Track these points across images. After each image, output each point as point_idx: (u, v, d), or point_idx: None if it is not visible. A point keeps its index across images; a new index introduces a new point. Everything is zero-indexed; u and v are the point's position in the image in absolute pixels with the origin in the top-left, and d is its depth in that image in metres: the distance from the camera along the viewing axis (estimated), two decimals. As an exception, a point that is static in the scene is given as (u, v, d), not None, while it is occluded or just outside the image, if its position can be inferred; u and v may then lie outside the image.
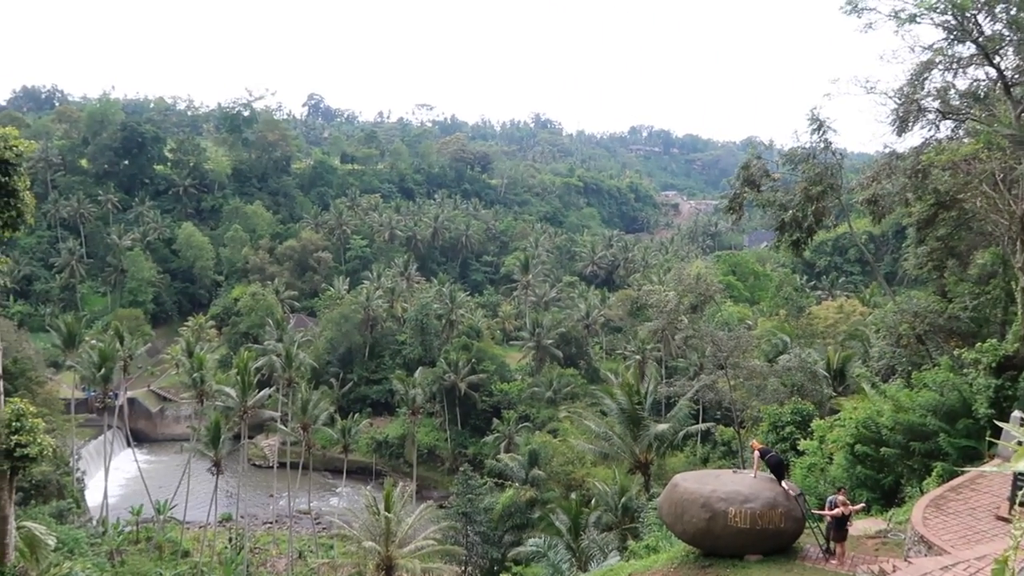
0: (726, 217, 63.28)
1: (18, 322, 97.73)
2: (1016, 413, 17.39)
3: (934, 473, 20.62)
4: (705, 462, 58.87)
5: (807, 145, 33.76)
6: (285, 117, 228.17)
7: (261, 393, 67.68)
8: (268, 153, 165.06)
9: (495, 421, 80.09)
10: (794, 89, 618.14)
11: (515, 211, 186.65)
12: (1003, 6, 23.94)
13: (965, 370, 22.86)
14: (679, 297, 61.61)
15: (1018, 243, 24.28)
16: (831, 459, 27.22)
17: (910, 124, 28.17)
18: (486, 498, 61.26)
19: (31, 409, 23.32)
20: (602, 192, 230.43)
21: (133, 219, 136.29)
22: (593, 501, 44.74)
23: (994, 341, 22.23)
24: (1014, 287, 25.51)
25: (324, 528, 73.70)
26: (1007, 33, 24.43)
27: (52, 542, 24.88)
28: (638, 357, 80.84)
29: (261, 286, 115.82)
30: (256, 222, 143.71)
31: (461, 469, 65.57)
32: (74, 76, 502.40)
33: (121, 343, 75.43)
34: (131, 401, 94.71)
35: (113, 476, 73.80)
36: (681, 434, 47.36)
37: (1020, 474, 13.89)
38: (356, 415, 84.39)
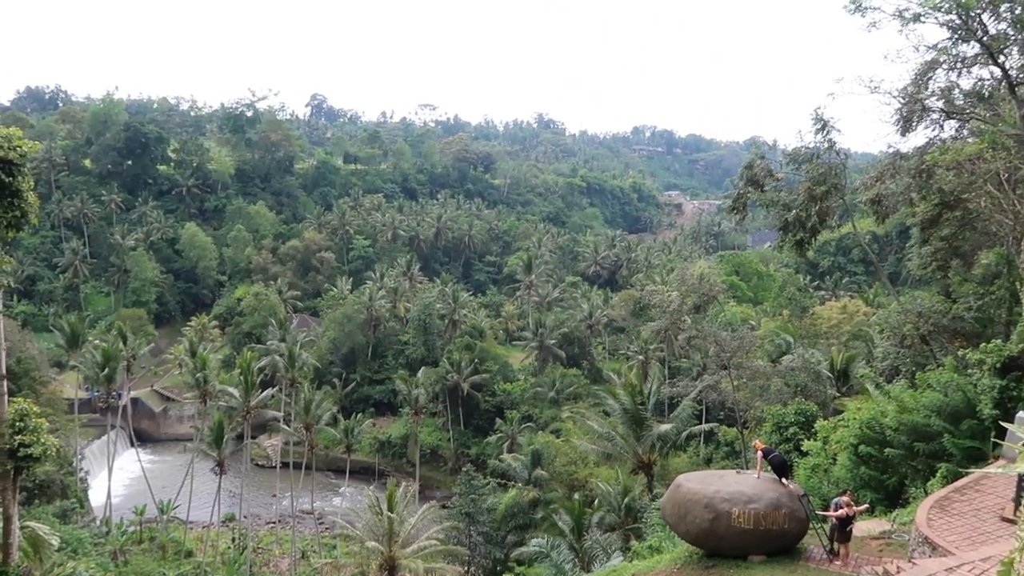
0: (729, 217, 63.30)
1: (22, 322, 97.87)
2: (1021, 414, 17.27)
3: (938, 474, 20.50)
4: (708, 462, 58.90)
5: (811, 145, 33.70)
6: (288, 117, 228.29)
7: (264, 393, 67.88)
8: (271, 153, 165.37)
9: (498, 421, 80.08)
10: (798, 89, 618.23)
11: (518, 211, 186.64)
12: (1007, 5, 23.81)
13: (969, 371, 22.75)
14: (682, 297, 61.56)
15: (1023, 243, 24.20)
16: (835, 460, 27.10)
17: (914, 124, 28.12)
18: (489, 498, 61.28)
19: (35, 409, 23.32)
20: (605, 192, 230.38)
21: (136, 219, 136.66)
22: (596, 501, 44.74)
23: (998, 341, 22.08)
24: (1018, 287, 25.38)
25: (327, 528, 73.79)
26: (1012, 32, 24.31)
27: (56, 542, 24.86)
28: (641, 357, 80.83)
29: (264, 286, 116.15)
30: (259, 222, 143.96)
31: (464, 469, 65.57)
32: (78, 77, 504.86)
33: (124, 343, 75.52)
34: (134, 401, 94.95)
35: (116, 476, 74.00)
36: (684, 434, 47.19)
37: (1025, 475, 13.82)
38: (359, 415, 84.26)
